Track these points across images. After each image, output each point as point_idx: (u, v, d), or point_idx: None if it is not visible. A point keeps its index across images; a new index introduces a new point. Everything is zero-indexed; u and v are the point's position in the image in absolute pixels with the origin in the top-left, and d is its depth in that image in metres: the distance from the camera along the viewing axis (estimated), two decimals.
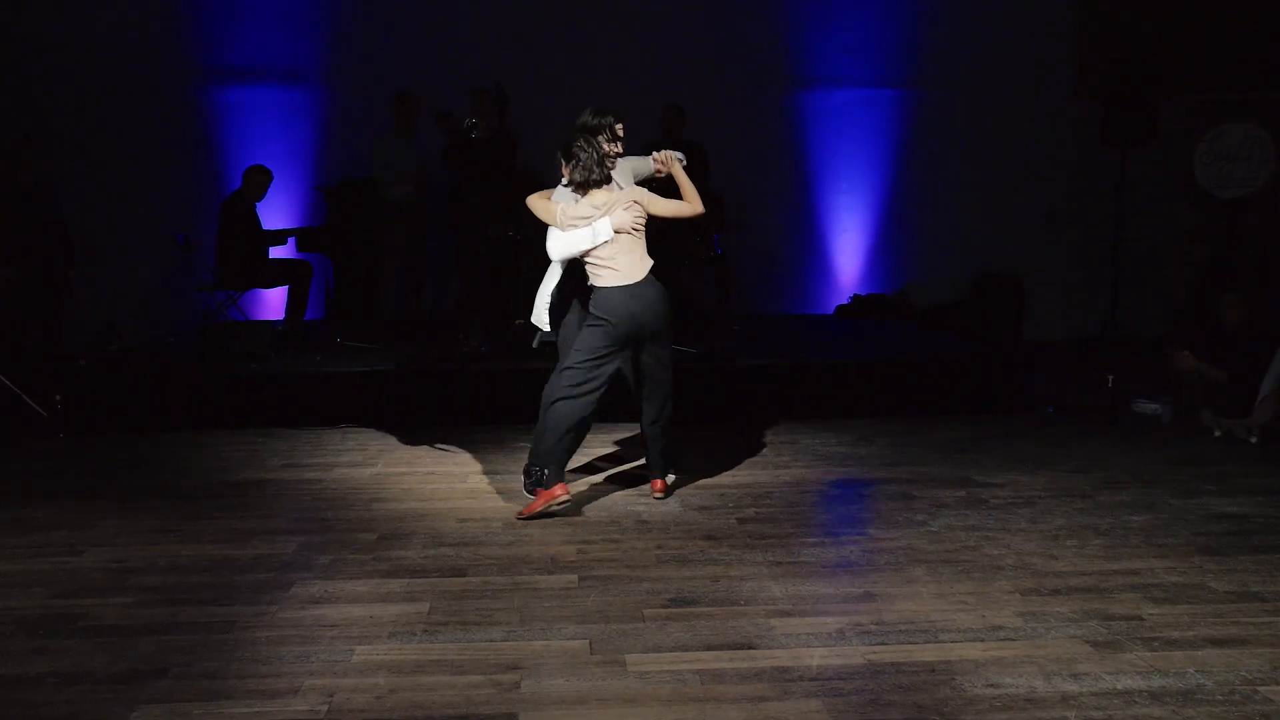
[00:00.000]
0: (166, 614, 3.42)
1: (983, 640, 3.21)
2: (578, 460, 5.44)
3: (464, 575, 3.78)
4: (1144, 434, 6.11)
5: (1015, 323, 9.04)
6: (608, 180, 4.54)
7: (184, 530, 4.32)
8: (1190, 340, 6.54)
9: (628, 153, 4.74)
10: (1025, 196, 9.29)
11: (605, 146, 4.54)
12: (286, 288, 7.81)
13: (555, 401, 4.45)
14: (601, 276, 4.49)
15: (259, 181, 7.68)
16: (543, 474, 4.50)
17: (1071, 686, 2.91)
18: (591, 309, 4.51)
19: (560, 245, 4.55)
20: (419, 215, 8.09)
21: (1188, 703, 2.81)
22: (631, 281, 4.47)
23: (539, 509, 4.43)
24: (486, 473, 5.25)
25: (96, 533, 4.28)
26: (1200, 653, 3.13)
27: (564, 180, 4.64)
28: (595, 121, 4.59)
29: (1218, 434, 5.98)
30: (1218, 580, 3.73)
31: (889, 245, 9.48)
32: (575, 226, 4.49)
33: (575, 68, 8.71)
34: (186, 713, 2.76)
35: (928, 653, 3.12)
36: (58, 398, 6.11)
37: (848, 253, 9.50)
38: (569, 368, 4.47)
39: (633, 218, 4.47)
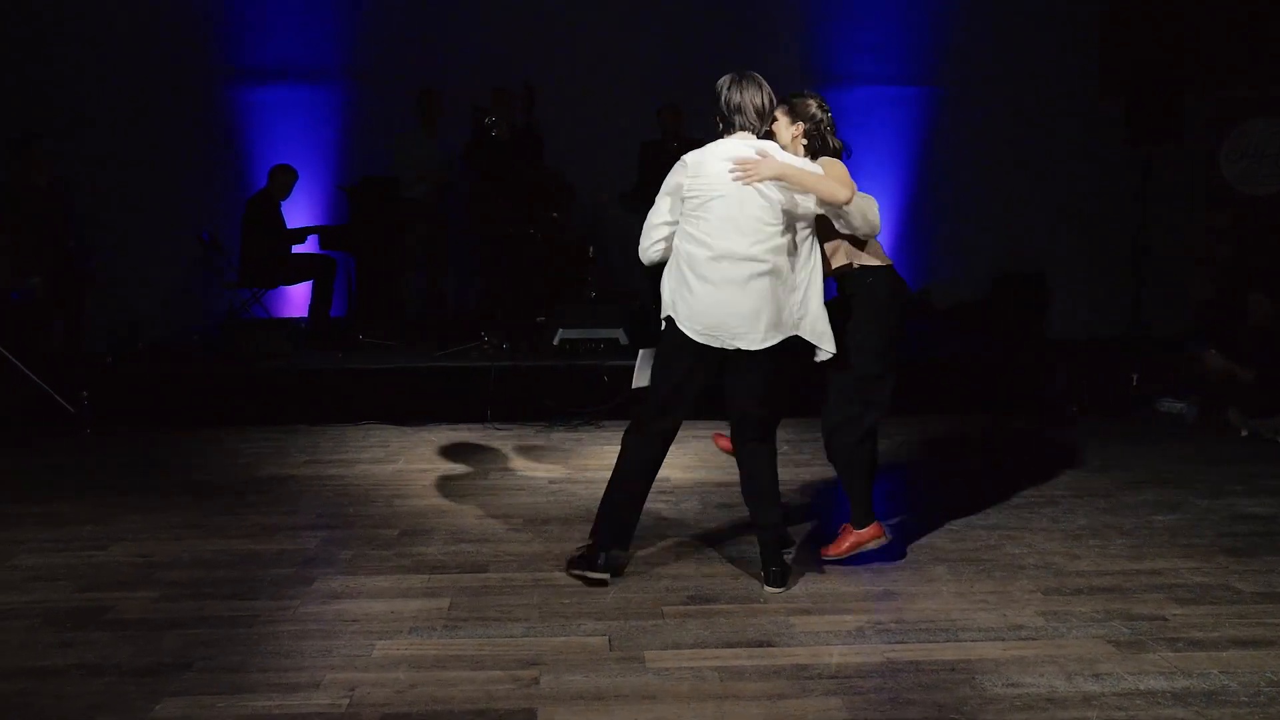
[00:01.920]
0: (191, 608, 3.46)
1: (1003, 639, 3.20)
2: (593, 459, 5.46)
3: (484, 571, 3.79)
4: (1168, 433, 6.06)
5: (1037, 322, 8.97)
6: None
7: (208, 525, 4.36)
8: (1217, 339, 6.48)
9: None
10: (1048, 195, 9.22)
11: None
12: (310, 285, 7.87)
13: (851, 446, 3.78)
14: (866, 255, 3.77)
15: (284, 181, 7.75)
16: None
17: (1093, 687, 2.89)
18: (862, 307, 3.71)
19: (874, 213, 3.71)
20: (440, 213, 8.13)
21: (1212, 704, 2.79)
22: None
23: (849, 550, 3.84)
24: (507, 470, 5.27)
25: (122, 527, 4.33)
26: (1225, 654, 3.10)
27: (778, 134, 3.72)
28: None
29: (1244, 434, 5.92)
30: (1243, 581, 3.69)
31: (910, 243, 9.43)
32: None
33: (595, 65, 8.72)
34: (210, 705, 2.79)
35: (948, 651, 3.11)
36: (84, 394, 6.19)
37: None
38: (852, 401, 3.74)
39: None
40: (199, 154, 8.62)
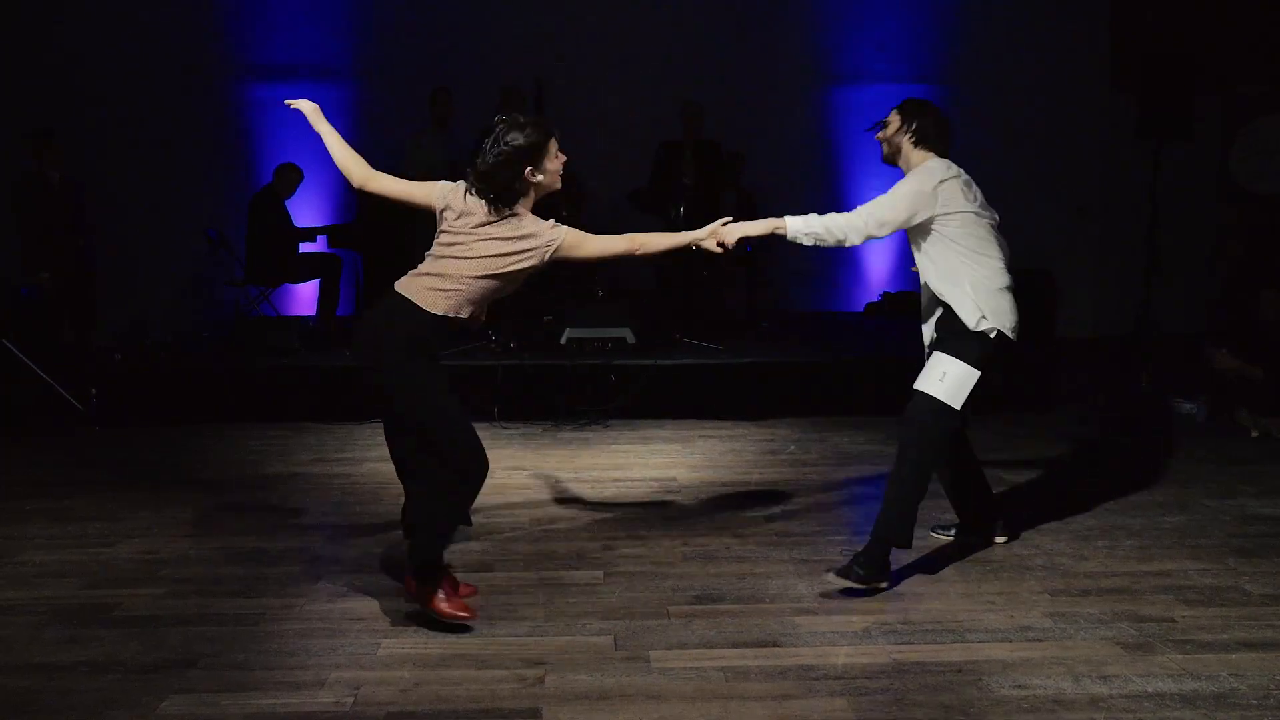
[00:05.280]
0: (196, 605, 3.46)
1: (1010, 641, 3.18)
2: (601, 457, 5.46)
3: (490, 570, 3.79)
4: (1178, 433, 6.03)
5: (1047, 320, 8.93)
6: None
7: (215, 523, 4.36)
8: (1227, 338, 6.44)
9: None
10: (1058, 191, 9.19)
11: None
12: (318, 283, 7.88)
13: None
14: None
15: (289, 179, 7.75)
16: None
17: (1101, 689, 2.87)
18: None
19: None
20: None
21: (1220, 706, 2.77)
22: None
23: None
24: (513, 469, 5.26)
25: (129, 524, 4.34)
26: (1234, 656, 3.08)
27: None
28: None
29: (1254, 434, 5.88)
30: (1252, 583, 3.67)
31: None
32: None
33: (607, 64, 8.71)
34: (214, 703, 2.79)
35: (954, 652, 3.10)
36: (92, 391, 6.21)
37: (878, 250, 9.43)
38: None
39: None
40: (208, 151, 8.64)
